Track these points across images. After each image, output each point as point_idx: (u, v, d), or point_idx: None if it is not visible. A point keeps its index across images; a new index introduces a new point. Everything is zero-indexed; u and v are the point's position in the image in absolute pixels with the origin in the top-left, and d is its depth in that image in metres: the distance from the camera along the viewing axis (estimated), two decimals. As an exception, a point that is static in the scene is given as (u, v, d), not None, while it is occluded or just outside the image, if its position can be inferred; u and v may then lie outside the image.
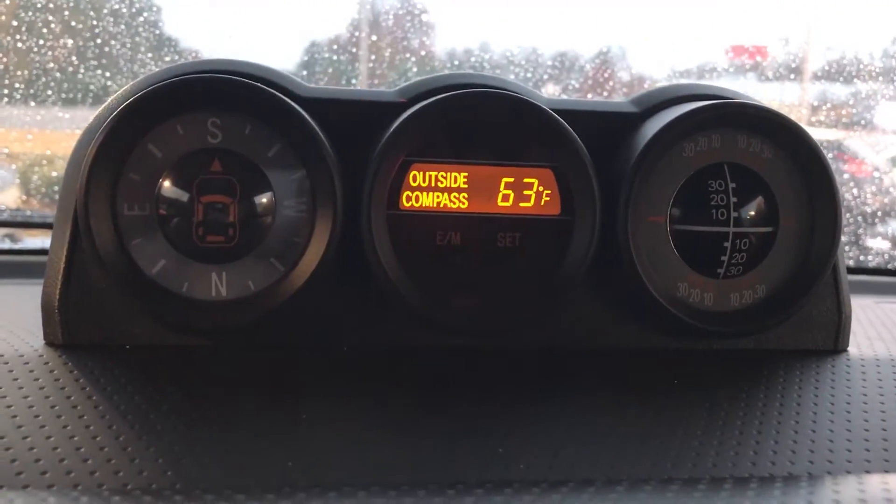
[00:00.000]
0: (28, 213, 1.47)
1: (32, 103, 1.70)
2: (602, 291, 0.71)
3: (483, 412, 0.59)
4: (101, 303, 0.65)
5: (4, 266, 1.10)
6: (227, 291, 0.65)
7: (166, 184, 0.64)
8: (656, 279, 0.68)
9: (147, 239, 0.64)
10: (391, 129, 0.66)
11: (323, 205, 0.64)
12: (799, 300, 0.69)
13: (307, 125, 0.64)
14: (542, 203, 0.68)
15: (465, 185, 0.68)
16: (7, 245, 1.31)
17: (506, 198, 0.68)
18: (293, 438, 0.54)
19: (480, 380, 0.66)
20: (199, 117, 0.64)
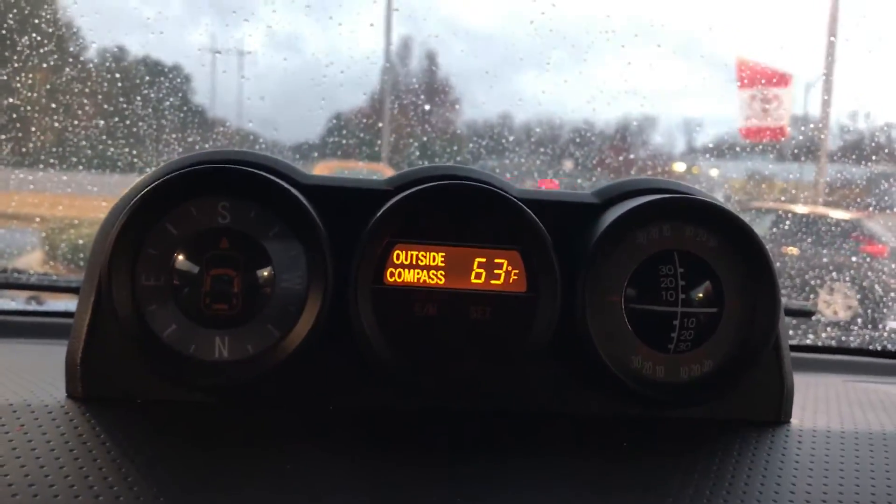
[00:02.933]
0: (54, 277, 1.57)
1: (64, 177, 1.82)
2: (564, 360, 0.79)
3: (452, 471, 0.66)
4: (118, 361, 0.74)
5: (30, 326, 1.19)
6: (229, 353, 0.73)
7: (180, 258, 0.73)
8: (612, 352, 0.76)
9: (161, 306, 0.73)
10: (378, 214, 0.75)
11: (316, 279, 0.73)
12: (743, 374, 0.77)
13: (304, 209, 0.73)
14: (511, 281, 0.77)
15: (443, 264, 0.77)
16: (32, 307, 1.39)
17: (478, 276, 0.77)
18: (278, 486, 0.61)
19: (450, 439, 0.73)
20: (211, 201, 0.74)
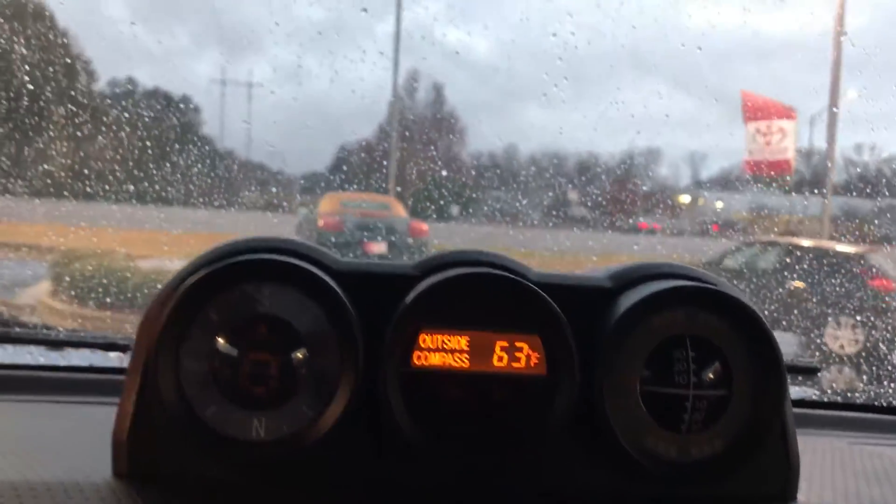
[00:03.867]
0: (81, 333, 1.61)
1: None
2: (581, 439, 0.83)
3: None
4: (161, 441, 0.79)
5: (50, 381, 1.22)
6: (265, 434, 0.77)
7: (220, 342, 0.78)
8: (627, 433, 0.80)
9: (202, 389, 0.77)
10: (406, 301, 0.80)
11: (347, 362, 0.78)
12: (751, 454, 0.81)
13: (338, 296, 0.78)
14: (532, 364, 0.81)
15: (467, 348, 0.81)
16: (55, 362, 1.40)
17: (500, 359, 0.81)
18: None
19: None
20: (251, 289, 0.78)
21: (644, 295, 0.81)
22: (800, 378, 1.53)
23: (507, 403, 0.81)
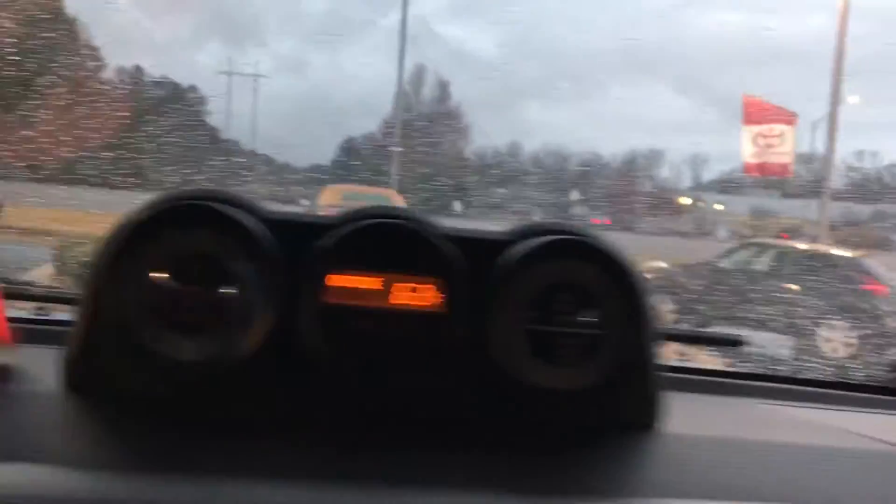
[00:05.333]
0: (60, 289, 1.74)
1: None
2: (472, 369, 0.96)
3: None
4: (105, 359, 0.92)
5: (38, 333, 1.34)
6: (194, 355, 0.90)
7: (160, 275, 0.90)
8: (509, 364, 0.92)
9: (141, 315, 0.90)
10: (321, 244, 0.92)
11: (270, 295, 0.90)
12: (619, 386, 0.93)
13: (264, 238, 0.91)
14: (433, 303, 0.93)
15: (379, 287, 0.93)
16: (40, 316, 1.51)
17: (406, 297, 0.93)
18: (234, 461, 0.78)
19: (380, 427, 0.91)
20: (193, 231, 0.91)
21: (529, 247, 0.93)
22: (727, 349, 1.64)
23: (409, 336, 0.93)
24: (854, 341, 6.55)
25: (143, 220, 0.89)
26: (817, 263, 7.02)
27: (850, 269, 6.90)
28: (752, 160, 8.45)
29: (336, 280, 0.93)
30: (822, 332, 6.55)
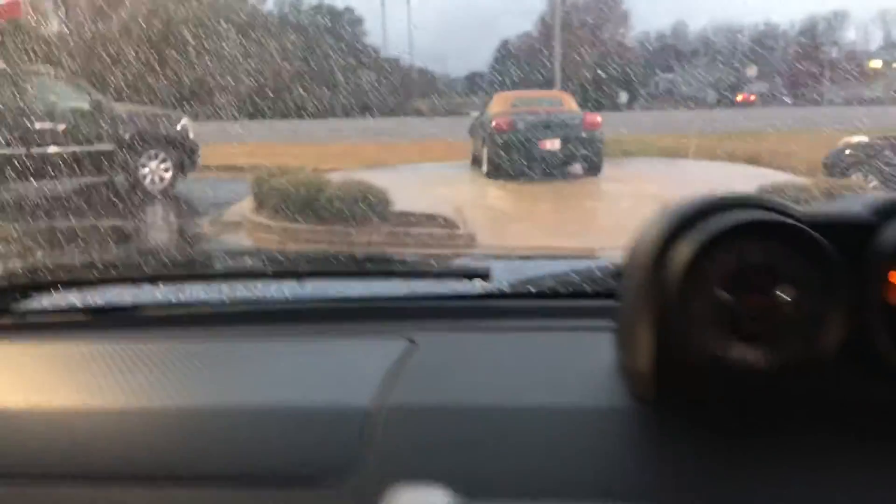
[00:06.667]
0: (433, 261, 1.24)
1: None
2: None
3: None
4: (679, 372, 0.88)
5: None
6: (767, 365, 0.84)
7: (720, 289, 0.84)
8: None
9: (709, 328, 0.84)
10: (878, 241, 0.83)
11: (836, 300, 0.84)
12: None
13: (820, 244, 0.83)
14: None
15: None
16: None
17: None
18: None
19: None
20: (744, 244, 0.85)
21: None
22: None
23: None
24: None
25: (712, 238, 0.86)
26: None
27: None
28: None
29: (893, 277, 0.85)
30: None
